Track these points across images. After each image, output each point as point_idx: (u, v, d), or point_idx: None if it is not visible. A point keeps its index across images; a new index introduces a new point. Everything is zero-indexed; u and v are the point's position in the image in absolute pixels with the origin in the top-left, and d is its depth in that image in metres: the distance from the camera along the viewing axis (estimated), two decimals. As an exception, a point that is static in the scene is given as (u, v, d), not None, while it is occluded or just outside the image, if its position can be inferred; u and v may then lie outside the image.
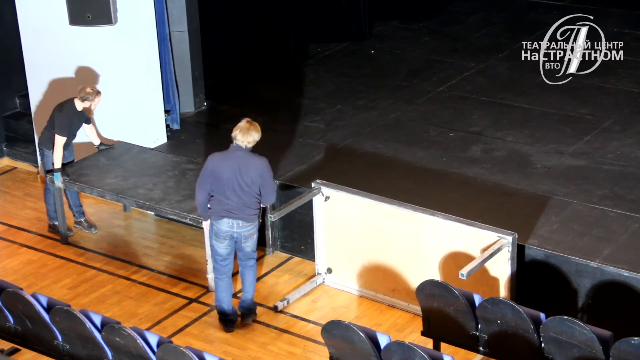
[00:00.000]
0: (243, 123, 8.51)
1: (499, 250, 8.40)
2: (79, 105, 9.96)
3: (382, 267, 9.17)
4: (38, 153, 10.72)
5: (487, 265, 8.49)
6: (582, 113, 11.57)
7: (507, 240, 8.40)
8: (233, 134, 8.49)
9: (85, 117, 10.15)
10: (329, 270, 9.48)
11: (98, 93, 9.93)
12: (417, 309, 8.27)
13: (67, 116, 9.94)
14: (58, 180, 9.96)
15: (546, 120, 11.46)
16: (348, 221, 9.29)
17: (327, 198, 9.33)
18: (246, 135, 8.45)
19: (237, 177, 8.40)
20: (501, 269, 8.48)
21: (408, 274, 8.99)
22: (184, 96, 11.93)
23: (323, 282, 9.53)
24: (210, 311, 9.20)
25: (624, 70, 12.50)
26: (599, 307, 8.53)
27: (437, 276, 8.74)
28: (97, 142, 10.47)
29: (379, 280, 9.20)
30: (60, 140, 9.91)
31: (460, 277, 8.11)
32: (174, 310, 9.25)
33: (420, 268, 8.86)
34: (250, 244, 8.71)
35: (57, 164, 9.98)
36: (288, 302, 9.30)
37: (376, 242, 9.15)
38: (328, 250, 9.47)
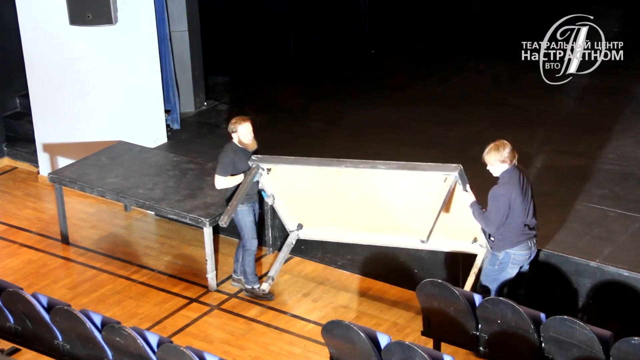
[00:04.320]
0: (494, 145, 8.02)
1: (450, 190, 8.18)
2: (235, 140, 9.08)
3: (350, 214, 9.06)
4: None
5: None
6: (582, 113, 11.58)
7: (453, 175, 8.18)
8: (506, 157, 7.95)
9: (248, 152, 9.11)
10: (300, 226, 9.40)
11: (244, 120, 9.07)
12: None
13: (226, 155, 9.07)
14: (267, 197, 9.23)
15: (546, 120, 11.46)
16: (299, 187, 9.12)
17: (268, 170, 9.08)
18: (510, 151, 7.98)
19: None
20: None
21: (378, 214, 8.86)
22: (184, 96, 11.93)
23: (298, 236, 9.41)
24: (210, 311, 9.21)
25: (624, 70, 12.50)
26: (599, 307, 8.52)
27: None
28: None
29: (350, 223, 9.09)
30: (218, 180, 9.05)
31: (421, 243, 8.12)
32: (174, 310, 9.25)
33: (388, 209, 8.80)
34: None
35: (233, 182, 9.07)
36: (273, 280, 9.33)
37: (334, 198, 9.01)
38: (291, 211, 9.38)
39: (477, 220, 8.18)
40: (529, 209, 8.07)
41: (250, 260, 9.29)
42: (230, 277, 9.56)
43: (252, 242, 9.22)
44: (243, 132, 9.02)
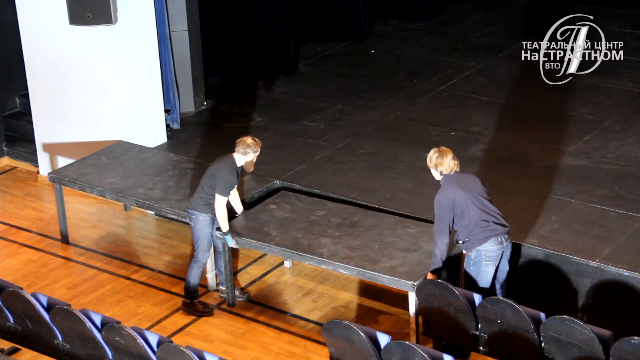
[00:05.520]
0: (434, 152, 8.12)
1: None
2: (241, 160, 8.73)
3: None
4: (188, 218, 8.99)
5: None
6: (582, 113, 11.58)
7: (412, 295, 8.19)
8: (441, 169, 8.06)
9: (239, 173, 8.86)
10: None
11: (260, 144, 8.76)
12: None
13: (230, 173, 8.67)
14: (231, 242, 8.82)
15: (546, 120, 11.46)
16: None
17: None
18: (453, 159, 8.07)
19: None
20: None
21: None
22: (184, 96, 11.94)
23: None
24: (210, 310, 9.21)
25: (624, 70, 12.51)
26: (599, 306, 8.53)
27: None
28: (239, 209, 9.19)
29: None
30: (221, 201, 8.65)
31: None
32: (174, 309, 9.25)
33: None
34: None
35: (225, 226, 8.75)
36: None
37: None
38: None
39: (434, 251, 8.08)
40: (481, 204, 8.01)
41: (197, 273, 9.00)
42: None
43: (204, 255, 8.95)
44: (256, 156, 8.78)
